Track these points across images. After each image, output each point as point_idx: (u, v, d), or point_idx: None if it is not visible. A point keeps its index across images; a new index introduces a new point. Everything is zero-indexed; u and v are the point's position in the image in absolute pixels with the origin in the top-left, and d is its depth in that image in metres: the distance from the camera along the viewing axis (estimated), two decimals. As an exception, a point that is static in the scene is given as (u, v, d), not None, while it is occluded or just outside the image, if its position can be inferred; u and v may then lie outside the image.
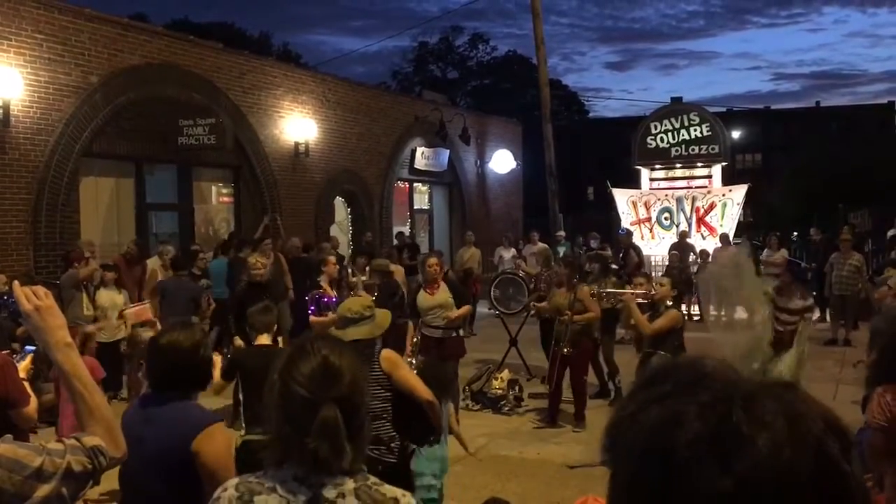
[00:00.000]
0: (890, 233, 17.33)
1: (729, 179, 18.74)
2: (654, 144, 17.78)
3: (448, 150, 20.43)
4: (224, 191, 15.32)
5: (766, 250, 16.14)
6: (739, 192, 17.07)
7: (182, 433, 2.83)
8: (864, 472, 3.71)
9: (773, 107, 64.83)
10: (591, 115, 56.99)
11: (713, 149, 17.45)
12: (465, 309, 8.74)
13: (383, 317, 4.52)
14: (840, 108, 60.82)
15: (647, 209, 17.31)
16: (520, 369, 10.52)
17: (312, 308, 7.98)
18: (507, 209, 23.94)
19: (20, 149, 10.73)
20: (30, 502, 1.72)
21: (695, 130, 17.49)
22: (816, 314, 13.18)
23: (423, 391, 4.28)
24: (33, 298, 1.96)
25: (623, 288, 9.50)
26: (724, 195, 17.01)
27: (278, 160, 15.30)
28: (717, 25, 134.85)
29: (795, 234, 26.86)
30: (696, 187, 17.43)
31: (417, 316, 8.32)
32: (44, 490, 1.74)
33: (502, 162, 22.91)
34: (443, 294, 8.26)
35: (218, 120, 12.98)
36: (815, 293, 14.76)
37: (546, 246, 15.77)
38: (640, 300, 7.77)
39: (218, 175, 15.08)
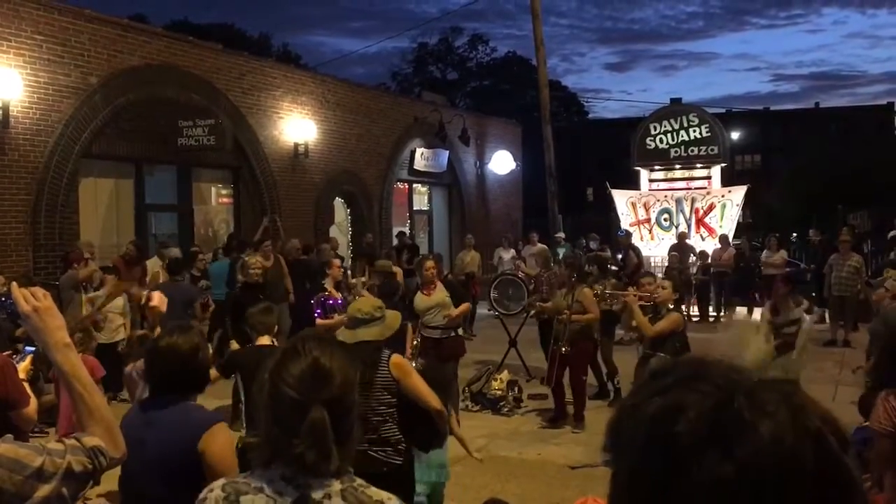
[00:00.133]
0: (891, 234, 17.33)
1: (728, 180, 18.76)
2: (653, 145, 17.80)
3: (447, 151, 20.44)
4: (223, 192, 15.32)
5: (765, 251, 16.15)
6: (739, 193, 17.08)
7: (186, 434, 2.84)
8: (861, 472, 3.70)
9: (772, 108, 64.98)
10: (590, 116, 57.01)
11: (712, 150, 17.47)
12: (465, 306, 8.86)
13: (393, 318, 4.49)
14: (839, 109, 60.83)
15: (647, 210, 17.32)
16: (519, 370, 10.51)
17: (318, 311, 7.98)
18: (506, 210, 23.94)
19: (20, 150, 10.73)
20: (30, 502, 1.72)
21: (694, 131, 17.51)
22: (815, 315, 13.19)
23: (432, 400, 4.25)
24: (32, 299, 1.96)
25: (623, 289, 9.52)
26: (723, 196, 17.02)
27: (278, 161, 15.31)
28: (717, 26, 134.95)
29: (795, 235, 26.87)
30: (696, 188, 17.44)
31: (416, 318, 8.35)
32: (44, 490, 1.74)
33: (502, 163, 22.92)
34: (439, 294, 8.31)
35: (217, 121, 12.98)
36: (814, 294, 14.80)
37: (545, 247, 15.75)
38: (641, 302, 7.79)
39: (217, 176, 15.08)
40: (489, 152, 22.88)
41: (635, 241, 16.32)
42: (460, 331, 8.77)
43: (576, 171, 43.87)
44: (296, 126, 15.65)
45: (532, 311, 11.26)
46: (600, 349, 9.47)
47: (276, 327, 5.73)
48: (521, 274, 13.23)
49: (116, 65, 12.04)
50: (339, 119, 17.07)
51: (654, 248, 16.93)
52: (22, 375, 3.92)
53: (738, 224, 17.56)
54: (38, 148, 10.93)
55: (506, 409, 9.12)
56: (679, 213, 17.01)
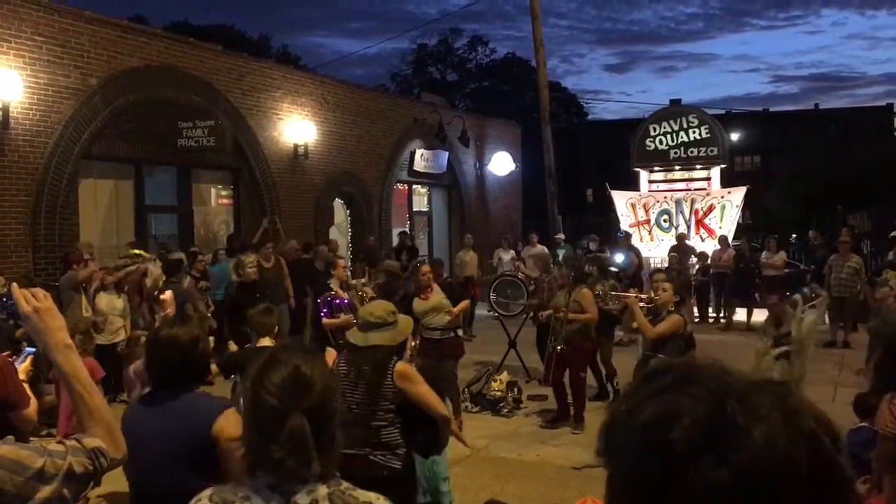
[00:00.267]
0: (893, 234, 17.34)
1: (728, 181, 18.76)
2: (652, 146, 17.80)
3: (447, 152, 20.44)
4: (223, 193, 15.33)
5: (764, 252, 16.15)
6: (738, 194, 17.09)
7: (198, 422, 2.87)
8: (861, 474, 3.70)
9: (771, 109, 65.03)
10: (590, 117, 57.01)
11: (712, 151, 17.47)
12: (465, 303, 9.05)
13: (406, 323, 4.46)
14: (839, 110, 60.86)
15: (646, 211, 17.32)
16: (519, 371, 10.52)
17: (325, 310, 7.98)
18: (506, 211, 23.95)
19: (19, 151, 10.73)
20: (31, 503, 1.72)
21: (693, 132, 17.51)
22: (823, 300, 13.17)
23: (439, 406, 4.24)
24: (32, 300, 1.96)
25: (624, 290, 9.53)
26: (722, 197, 17.02)
27: (277, 162, 15.31)
28: (716, 28, 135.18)
29: (794, 236, 26.89)
30: (695, 189, 17.44)
31: (416, 320, 8.39)
32: (45, 491, 1.74)
33: (501, 164, 22.92)
34: (436, 296, 8.34)
35: (217, 122, 12.98)
36: (813, 295, 14.78)
37: (545, 248, 15.78)
38: (642, 304, 7.80)
39: (217, 177, 15.08)
40: (489, 153, 22.89)
41: (635, 241, 16.32)
42: (460, 332, 8.77)
43: (575, 173, 43.89)
44: (295, 127, 15.66)
45: (531, 313, 11.28)
46: (599, 350, 9.48)
47: (277, 328, 5.73)
48: (520, 275, 13.23)
49: (116, 66, 12.05)
50: (339, 120, 17.07)
51: (654, 249, 16.93)
52: (22, 376, 3.92)
53: (738, 225, 17.56)
54: (37, 149, 10.93)
55: (505, 410, 9.12)
56: (679, 215, 17.01)
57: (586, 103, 57.34)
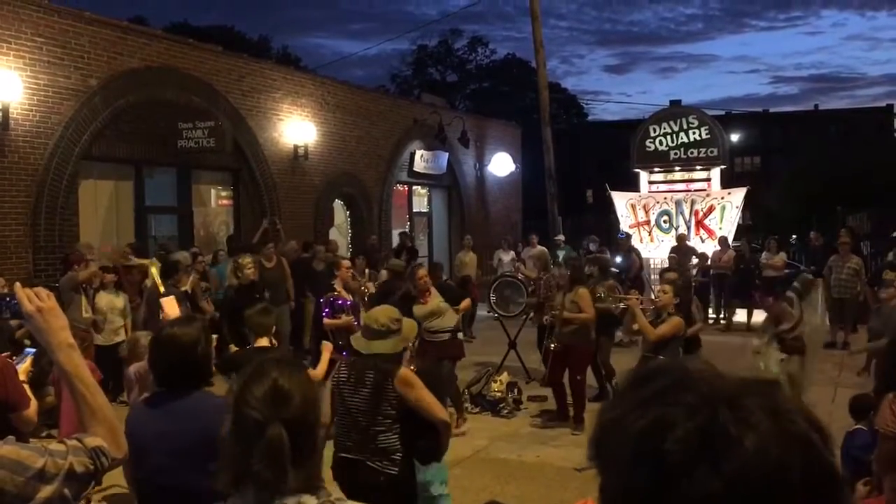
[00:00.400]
0: (894, 234, 17.34)
1: (728, 182, 18.74)
2: (652, 147, 17.79)
3: (447, 153, 20.44)
4: (223, 194, 15.33)
5: (764, 253, 16.15)
6: (738, 194, 17.08)
7: (209, 420, 2.86)
8: (858, 475, 3.70)
9: (771, 110, 65.06)
10: (589, 118, 57.04)
11: (712, 152, 17.45)
12: (467, 301, 9.28)
13: (409, 329, 4.44)
14: (839, 111, 60.91)
15: (646, 212, 17.31)
16: (519, 372, 10.51)
17: (327, 310, 7.98)
18: (506, 212, 23.95)
19: (19, 152, 10.73)
20: (32, 503, 1.72)
21: (693, 133, 17.49)
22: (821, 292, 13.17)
23: (439, 412, 4.23)
24: (35, 300, 1.97)
25: (625, 292, 9.53)
26: (722, 198, 17.01)
27: (277, 163, 15.31)
28: (716, 29, 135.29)
29: (794, 237, 26.90)
30: (695, 190, 17.43)
31: (418, 323, 8.50)
32: (46, 491, 1.74)
33: (501, 165, 22.92)
34: (434, 301, 8.41)
35: (217, 123, 12.98)
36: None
37: (545, 249, 15.78)
38: (643, 306, 7.83)
39: (217, 178, 15.08)
40: (489, 154, 22.89)
41: (635, 242, 16.31)
42: (460, 335, 8.77)
43: (575, 173, 43.92)
44: (295, 128, 15.66)
45: (532, 314, 11.28)
46: (599, 351, 9.48)
47: (275, 328, 5.73)
48: (520, 276, 13.23)
49: (116, 67, 12.05)
50: (339, 121, 17.07)
51: (654, 250, 16.92)
52: (22, 377, 3.92)
53: (738, 226, 17.54)
54: (37, 150, 10.94)
55: (505, 411, 9.12)
56: (678, 215, 17.00)
57: (586, 104, 57.41)
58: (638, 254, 15.42)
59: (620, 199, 17.65)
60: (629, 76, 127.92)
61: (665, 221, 17.14)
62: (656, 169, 18.00)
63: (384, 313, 4.45)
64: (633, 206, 17.41)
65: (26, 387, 3.94)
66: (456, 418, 7.89)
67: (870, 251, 18.99)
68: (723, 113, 44.80)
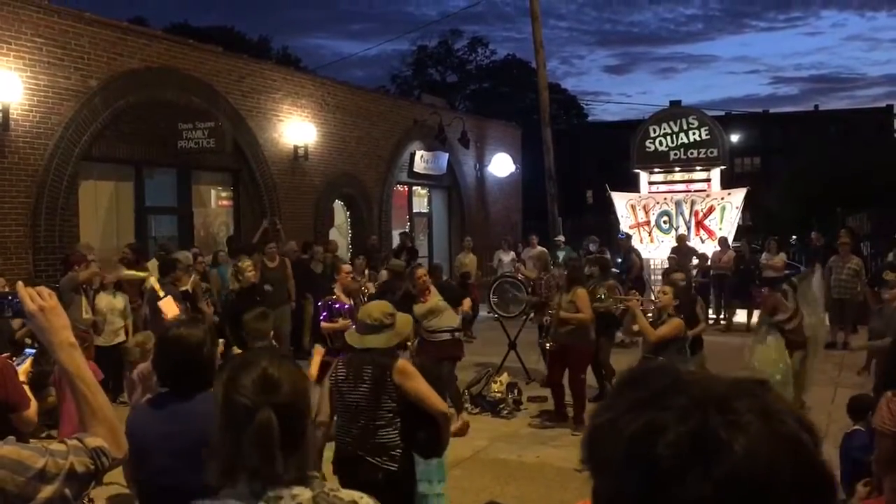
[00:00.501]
0: (896, 235, 17.35)
1: (728, 183, 18.74)
2: (652, 148, 17.79)
3: (447, 154, 20.44)
4: (223, 194, 15.33)
5: (764, 254, 16.15)
6: (738, 195, 17.08)
7: (212, 422, 2.86)
8: (858, 476, 3.70)
9: (771, 110, 65.11)
10: (589, 118, 57.06)
11: (712, 152, 17.46)
12: (468, 302, 9.33)
13: (403, 323, 4.44)
14: (839, 111, 60.95)
15: (646, 213, 17.31)
16: (519, 373, 10.52)
17: (324, 314, 7.99)
18: (506, 213, 23.95)
19: (19, 152, 10.74)
20: (33, 503, 1.73)
21: (693, 134, 17.50)
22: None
23: (437, 403, 4.22)
24: (38, 299, 1.97)
25: (625, 292, 9.55)
26: (722, 199, 17.02)
27: (277, 164, 15.31)
28: (716, 29, 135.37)
29: (794, 237, 26.91)
30: (695, 191, 17.43)
31: (417, 322, 8.50)
32: (47, 491, 1.75)
33: (501, 165, 22.92)
34: (433, 299, 8.44)
35: (217, 123, 12.98)
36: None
37: (545, 250, 15.78)
38: (643, 307, 7.86)
39: (217, 178, 15.08)
40: (489, 155, 22.89)
41: (635, 243, 16.32)
42: (457, 334, 8.76)
43: (575, 174, 43.93)
44: (295, 129, 15.66)
45: (532, 314, 11.29)
46: (598, 351, 9.48)
47: (275, 329, 5.75)
48: (520, 276, 13.23)
49: (116, 67, 12.05)
50: (339, 122, 17.08)
51: (654, 250, 16.92)
52: (22, 378, 3.92)
53: (738, 226, 17.55)
54: (38, 151, 10.94)
55: (505, 412, 9.12)
56: (678, 216, 17.00)
57: (586, 105, 57.40)
58: (638, 254, 15.42)
59: (620, 200, 17.65)
60: (629, 77, 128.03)
61: (665, 222, 17.15)
62: (656, 169, 18.00)
63: (377, 308, 4.47)
64: (633, 207, 17.41)
65: (26, 387, 3.94)
66: (456, 419, 7.90)
67: (870, 252, 18.99)
68: (723, 113, 44.89)
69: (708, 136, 17.44)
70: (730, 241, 16.13)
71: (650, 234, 17.28)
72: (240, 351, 6.87)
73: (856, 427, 4.77)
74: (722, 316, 15.70)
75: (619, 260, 14.73)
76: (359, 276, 11.59)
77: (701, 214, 16.91)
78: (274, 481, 1.78)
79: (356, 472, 4.10)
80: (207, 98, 13.63)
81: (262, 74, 15.24)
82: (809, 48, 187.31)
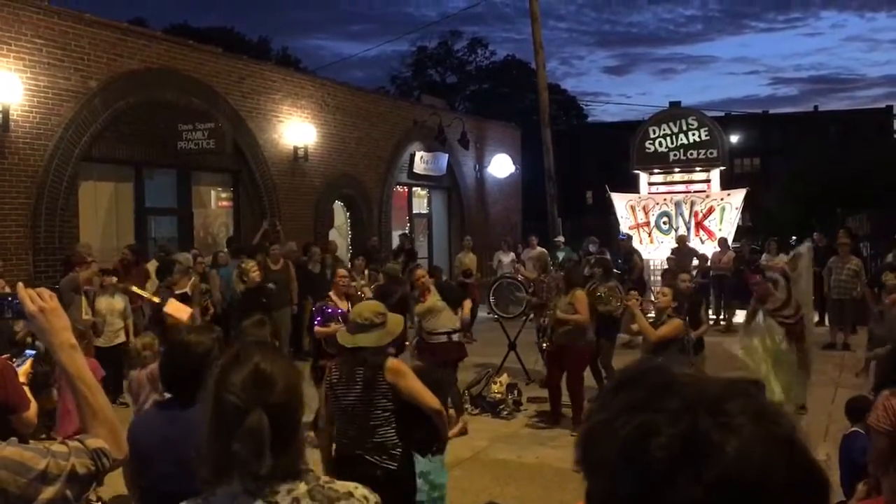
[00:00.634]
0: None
1: (727, 184, 18.75)
2: (652, 149, 17.80)
3: (447, 155, 20.45)
4: (223, 195, 15.33)
5: (764, 255, 16.15)
6: (738, 196, 17.09)
7: None
8: (858, 478, 3.70)
9: (771, 111, 65.17)
10: (589, 119, 57.06)
11: (711, 153, 17.47)
12: (468, 304, 9.33)
13: (395, 323, 4.45)
14: (838, 112, 60.99)
15: (646, 213, 17.32)
16: (518, 373, 10.52)
17: (318, 318, 7.99)
18: (505, 213, 23.95)
19: (19, 153, 10.74)
20: (35, 504, 1.73)
21: (693, 135, 17.51)
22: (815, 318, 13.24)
23: (430, 400, 4.23)
24: (38, 300, 1.97)
25: (626, 293, 9.56)
26: (722, 199, 17.02)
27: (277, 164, 15.32)
28: (715, 30, 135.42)
29: (794, 238, 26.89)
30: (695, 191, 17.44)
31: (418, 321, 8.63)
32: (48, 492, 1.75)
33: (501, 166, 22.93)
34: (432, 299, 8.49)
35: (217, 124, 12.99)
36: (812, 297, 14.80)
37: (544, 251, 15.78)
38: (642, 307, 7.88)
39: (217, 179, 15.09)
40: (488, 156, 22.90)
41: (634, 244, 16.32)
42: (455, 336, 8.75)
43: (575, 175, 43.94)
44: (295, 129, 15.67)
45: (531, 314, 11.30)
46: (601, 353, 9.48)
47: (276, 331, 5.77)
48: (520, 277, 13.23)
49: (116, 68, 12.06)
50: (339, 123, 17.08)
51: (654, 251, 16.93)
52: (22, 379, 3.92)
53: (738, 227, 17.55)
54: (37, 151, 10.94)
55: (505, 413, 9.12)
56: (678, 217, 17.00)
57: (586, 105, 57.37)
58: (640, 255, 15.42)
59: (620, 201, 17.66)
60: (629, 77, 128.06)
61: (665, 223, 17.15)
62: (656, 170, 18.01)
63: (368, 307, 4.49)
64: (633, 208, 17.42)
65: (26, 388, 3.94)
66: (455, 420, 7.90)
67: (869, 252, 18.98)
68: (722, 114, 44.95)
69: (707, 137, 17.45)
70: (729, 241, 16.13)
71: (650, 234, 17.28)
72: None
73: (854, 428, 4.77)
74: (722, 317, 15.70)
75: (620, 261, 14.73)
76: (358, 276, 11.60)
77: (700, 215, 16.91)
78: (266, 479, 1.77)
79: (355, 470, 4.11)
80: (207, 99, 13.63)
81: (261, 75, 15.25)
82: (809, 49, 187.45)
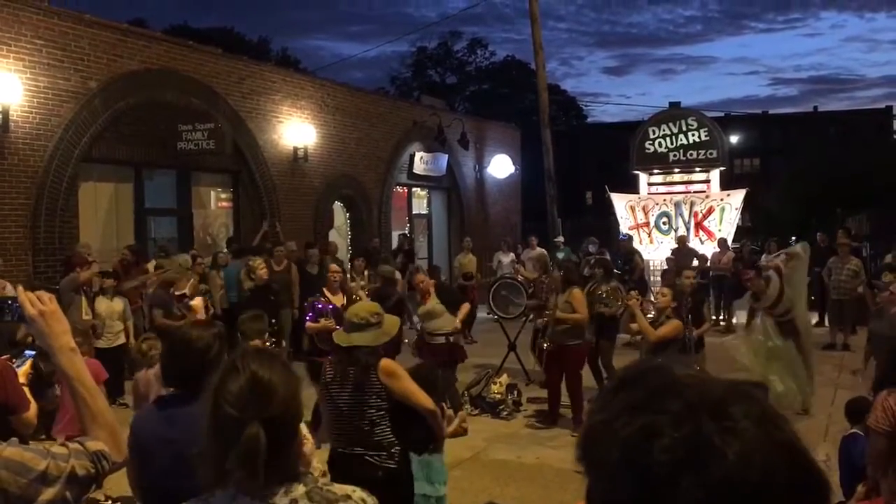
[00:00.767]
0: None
1: (727, 184, 18.76)
2: (652, 149, 17.80)
3: (447, 155, 20.45)
4: (223, 196, 15.33)
5: (764, 255, 16.15)
6: (738, 196, 17.09)
7: None
8: (859, 480, 3.71)
9: (771, 111, 65.26)
10: (589, 119, 57.11)
11: (711, 153, 17.47)
12: (465, 307, 9.26)
13: (391, 324, 4.45)
14: (838, 112, 61.00)
15: (646, 214, 17.32)
16: (518, 374, 10.52)
17: (310, 314, 8.01)
18: (505, 214, 23.95)
19: (19, 154, 10.75)
20: (34, 505, 1.73)
21: (693, 135, 17.51)
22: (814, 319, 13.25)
23: (423, 400, 4.24)
24: (38, 303, 1.98)
25: (627, 293, 9.57)
26: (722, 200, 17.03)
27: (277, 165, 15.32)
28: (715, 30, 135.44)
29: (794, 238, 26.88)
30: (695, 192, 17.44)
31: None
32: (48, 494, 1.75)
33: (501, 167, 22.92)
34: (431, 301, 8.54)
35: (217, 125, 12.99)
36: (812, 297, 14.81)
37: (544, 251, 15.79)
38: (642, 307, 7.90)
39: (217, 180, 15.09)
40: (488, 156, 22.90)
41: (634, 244, 16.32)
42: (450, 338, 8.76)
43: (575, 175, 43.95)
44: (295, 130, 15.67)
45: (531, 314, 11.30)
46: (602, 353, 9.48)
47: (267, 333, 5.80)
48: (520, 278, 13.24)
49: (116, 69, 12.06)
50: (339, 123, 17.08)
51: (654, 251, 16.93)
52: (22, 379, 3.92)
53: (738, 227, 17.55)
54: (37, 152, 10.95)
55: (505, 413, 9.12)
56: (678, 217, 17.01)
57: (586, 106, 57.41)
58: (640, 256, 15.42)
59: (620, 201, 17.66)
60: (628, 78, 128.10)
61: (664, 223, 17.15)
62: (656, 171, 18.01)
63: (364, 308, 4.50)
64: (633, 208, 17.42)
65: (26, 389, 3.95)
66: (453, 417, 7.91)
67: (869, 252, 18.98)
68: (722, 114, 44.94)
69: (707, 138, 17.45)
70: (729, 242, 16.14)
71: (649, 235, 17.29)
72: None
73: (854, 430, 4.77)
74: (721, 317, 15.70)
75: (620, 261, 14.72)
76: (358, 277, 11.59)
77: (700, 215, 16.92)
78: (261, 487, 1.77)
79: (352, 469, 4.12)
80: (207, 99, 13.63)
81: (261, 76, 15.25)
82: (809, 49, 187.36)
